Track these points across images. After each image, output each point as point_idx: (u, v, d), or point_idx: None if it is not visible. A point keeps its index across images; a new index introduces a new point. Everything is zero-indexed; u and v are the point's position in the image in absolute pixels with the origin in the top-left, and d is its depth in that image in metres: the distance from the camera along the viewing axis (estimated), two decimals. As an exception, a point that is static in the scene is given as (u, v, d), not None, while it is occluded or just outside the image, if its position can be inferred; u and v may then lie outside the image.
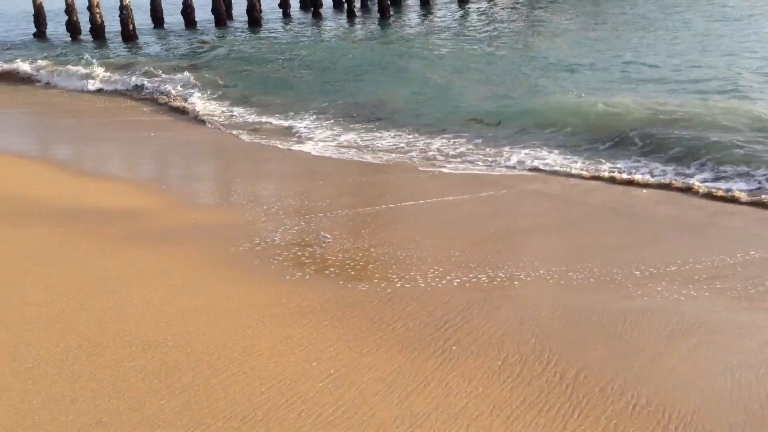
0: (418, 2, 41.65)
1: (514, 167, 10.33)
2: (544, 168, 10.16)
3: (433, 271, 6.38)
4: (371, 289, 6.03)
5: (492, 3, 34.40)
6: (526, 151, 10.86)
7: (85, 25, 31.35)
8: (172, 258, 6.93)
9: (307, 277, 6.38)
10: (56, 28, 34.18)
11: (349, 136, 12.73)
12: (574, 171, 9.94)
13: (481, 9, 33.58)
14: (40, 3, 32.79)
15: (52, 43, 32.03)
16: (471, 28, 27.65)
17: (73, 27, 31.60)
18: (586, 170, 9.93)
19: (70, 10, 31.50)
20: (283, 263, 6.77)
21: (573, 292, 5.87)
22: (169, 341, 5.11)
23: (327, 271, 6.50)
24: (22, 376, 4.66)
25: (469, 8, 34.17)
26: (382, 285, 6.13)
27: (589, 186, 9.44)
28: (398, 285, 6.12)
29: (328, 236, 7.37)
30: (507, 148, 11.06)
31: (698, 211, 8.36)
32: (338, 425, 4.08)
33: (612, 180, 9.53)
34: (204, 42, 27.45)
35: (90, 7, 29.92)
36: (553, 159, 10.47)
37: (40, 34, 33.55)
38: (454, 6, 35.30)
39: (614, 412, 4.20)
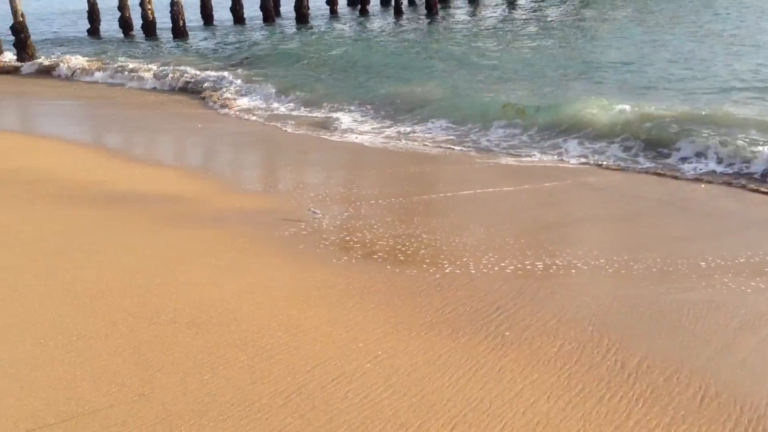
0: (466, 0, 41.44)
1: (570, 160, 10.05)
2: (599, 161, 9.87)
3: (486, 258, 6.16)
4: (420, 274, 5.85)
5: (540, 2, 33.92)
6: (581, 145, 10.55)
7: (137, 22, 31.83)
8: (217, 240, 6.84)
9: (354, 261, 6.22)
10: (109, 25, 34.83)
11: (396, 128, 12.56)
12: (629, 165, 9.63)
13: (529, 8, 33.13)
14: (94, 0, 33.44)
15: (104, 39, 32.63)
16: (517, 26, 27.26)
17: (125, 23, 32.15)
18: (641, 165, 9.62)
19: (122, 6, 32.07)
20: (330, 247, 6.62)
21: (634, 282, 5.59)
22: (213, 319, 5.00)
23: (375, 256, 6.33)
24: (66, 348, 4.60)
25: (518, 5, 33.76)
26: (431, 270, 5.94)
27: (644, 180, 9.11)
28: (448, 270, 5.92)
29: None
30: (561, 140, 10.78)
31: (762, 206, 7.98)
32: (387, 405, 3.90)
33: (667, 175, 9.19)
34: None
35: (142, 4, 30.37)
36: (608, 153, 10.16)
37: (94, 30, 34.22)
38: (503, 4, 34.93)
39: (681, 402, 3.93)
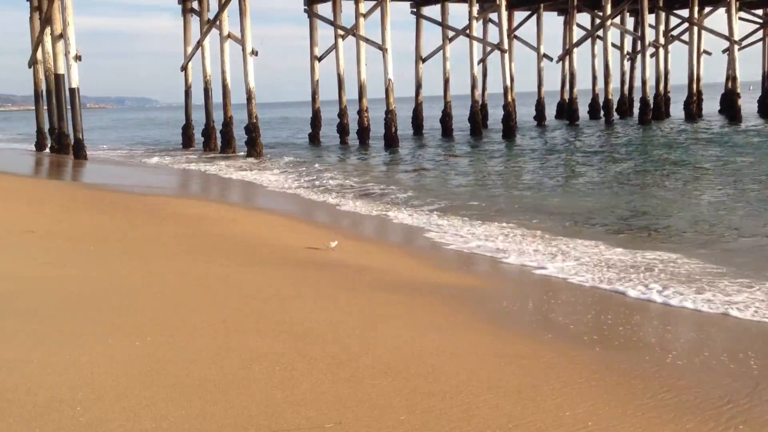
0: (683, 115, 39.98)
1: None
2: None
3: (712, 355, 5.54)
4: (635, 360, 5.37)
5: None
6: None
7: (354, 126, 34.07)
8: (418, 305, 6.81)
9: (561, 338, 5.88)
10: (328, 130, 37.80)
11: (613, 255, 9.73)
12: None
13: (755, 128, 31.14)
14: (318, 108, 36.60)
15: (322, 145, 35.15)
16: (740, 146, 25.55)
17: (342, 129, 34.68)
18: None
19: (342, 113, 34.72)
20: (533, 324, 6.34)
21: None
22: (411, 369, 4.87)
23: (584, 338, 5.95)
24: (269, 374, 4.66)
25: (744, 128, 31.84)
26: (648, 358, 5.44)
27: None
28: (669, 360, 5.38)
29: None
30: None
31: None
32: (600, 472, 3.47)
33: None
34: (453, 156, 28.28)
35: (360, 112, 32.67)
36: None
37: (315, 135, 37.19)
38: (721, 121, 33.23)
39: None
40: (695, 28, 39.46)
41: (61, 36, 28.59)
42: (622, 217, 13.05)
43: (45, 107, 33.09)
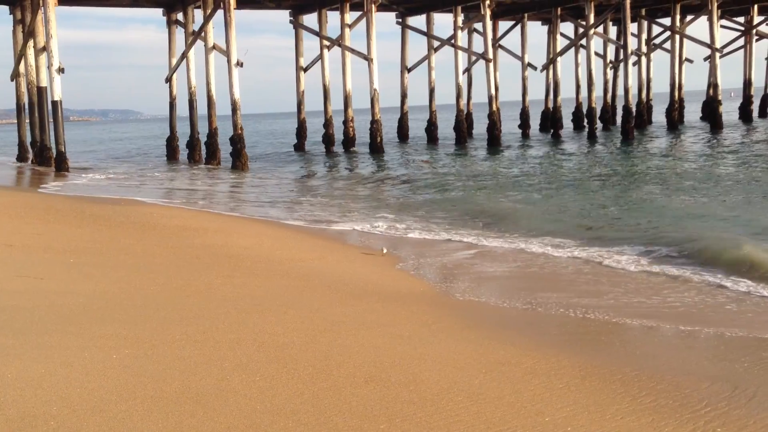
0: (665, 125, 40.33)
1: None
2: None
3: (691, 357, 5.56)
4: (615, 364, 5.39)
5: (749, 131, 32.15)
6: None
7: (339, 137, 34.17)
8: (398, 314, 6.80)
9: (542, 344, 5.89)
10: (312, 137, 37.78)
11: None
12: None
13: (736, 140, 31.41)
14: (304, 118, 36.61)
15: (308, 153, 35.26)
16: (721, 156, 25.80)
17: (328, 139, 34.70)
18: None
19: (328, 124, 34.75)
20: (512, 330, 6.34)
21: None
22: (392, 378, 4.86)
23: (566, 344, 5.98)
24: (248, 385, 4.63)
25: (722, 138, 32.15)
26: (628, 360, 5.47)
27: None
28: (647, 364, 5.40)
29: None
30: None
31: None
32: (578, 478, 3.47)
33: None
34: (426, 162, 28.42)
35: (345, 122, 32.71)
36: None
37: (300, 146, 37.18)
38: (704, 132, 33.51)
39: None
40: (677, 37, 39.87)
41: (44, 49, 28.46)
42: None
43: (27, 120, 32.91)
